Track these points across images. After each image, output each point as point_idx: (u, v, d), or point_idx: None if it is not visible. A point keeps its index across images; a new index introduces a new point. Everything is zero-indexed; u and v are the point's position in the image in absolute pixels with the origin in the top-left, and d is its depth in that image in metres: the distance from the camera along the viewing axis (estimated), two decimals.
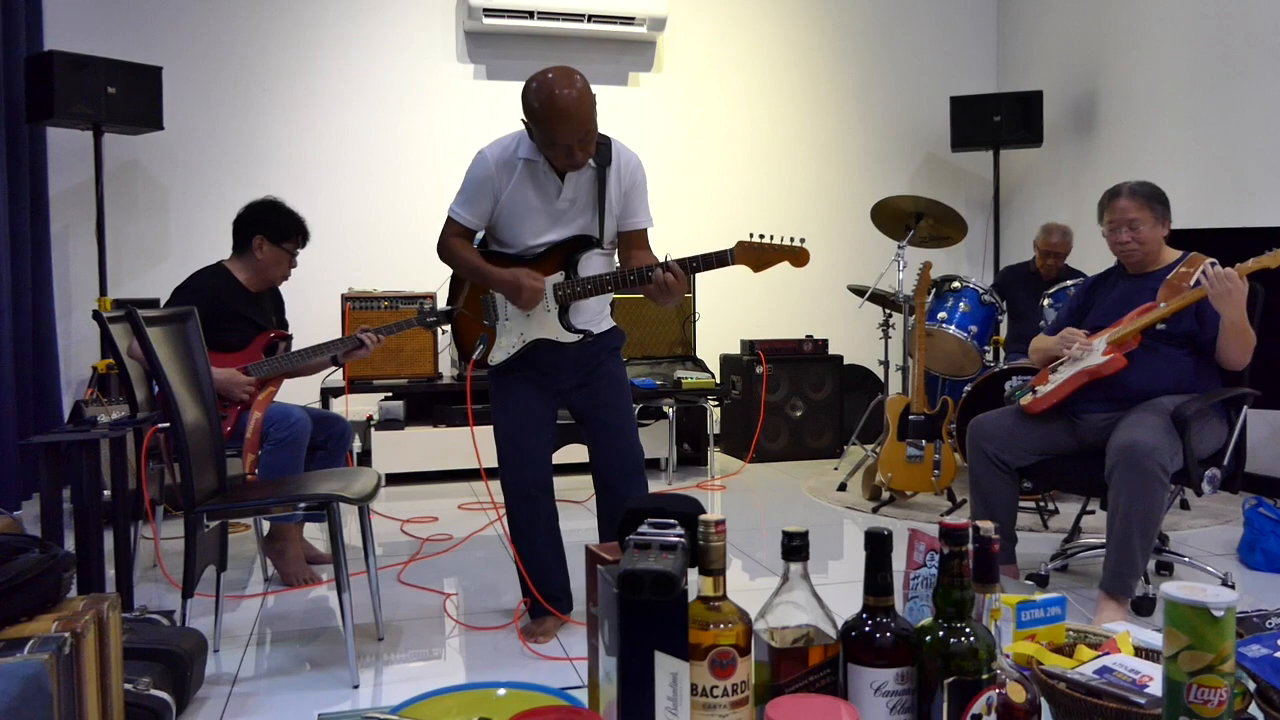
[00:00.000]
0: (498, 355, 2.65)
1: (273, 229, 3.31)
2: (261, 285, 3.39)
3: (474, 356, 2.67)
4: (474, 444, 2.90)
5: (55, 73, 4.28)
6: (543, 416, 2.70)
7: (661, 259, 2.55)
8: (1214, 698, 0.95)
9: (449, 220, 2.64)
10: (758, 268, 2.54)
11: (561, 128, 2.36)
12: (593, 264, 2.63)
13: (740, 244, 2.52)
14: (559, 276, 2.60)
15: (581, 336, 2.63)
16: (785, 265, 2.58)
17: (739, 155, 6.04)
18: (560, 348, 2.64)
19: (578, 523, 3.78)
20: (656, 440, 5.07)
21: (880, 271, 4.93)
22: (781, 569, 1.06)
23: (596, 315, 2.72)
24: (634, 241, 2.66)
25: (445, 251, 2.66)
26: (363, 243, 5.46)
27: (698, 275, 2.64)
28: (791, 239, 2.55)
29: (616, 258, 2.73)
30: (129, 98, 4.57)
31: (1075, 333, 3.00)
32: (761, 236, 2.54)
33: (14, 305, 4.28)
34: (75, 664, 1.64)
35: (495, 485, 2.79)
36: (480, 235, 2.72)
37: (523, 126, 2.52)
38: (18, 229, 4.36)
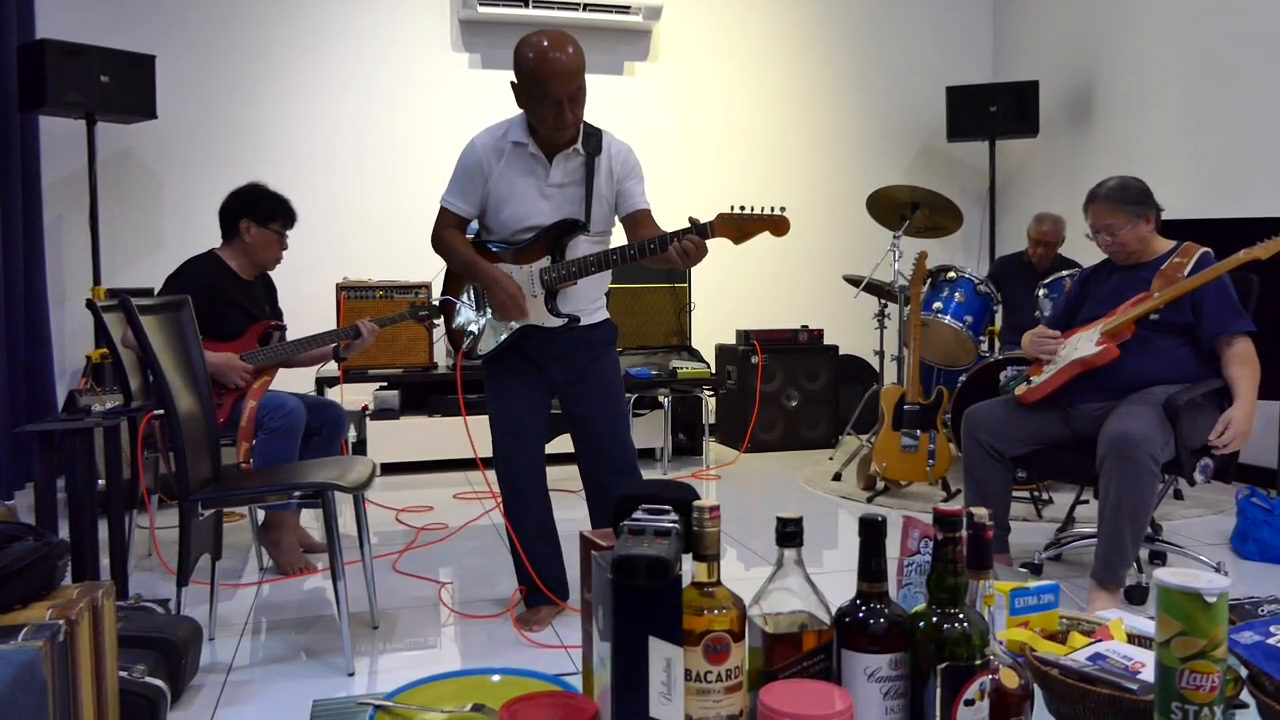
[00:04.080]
0: (487, 345, 2.64)
1: (258, 211, 3.31)
2: (254, 270, 3.39)
3: (463, 347, 2.68)
4: (468, 435, 2.90)
5: (48, 61, 4.26)
6: (534, 406, 2.69)
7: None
8: (1206, 683, 0.95)
9: (441, 210, 2.64)
10: (738, 239, 2.49)
11: (554, 80, 2.38)
12: (580, 249, 2.61)
13: (720, 216, 2.47)
14: (545, 261, 2.58)
15: (567, 321, 2.61)
16: (766, 239, 2.54)
17: (734, 145, 6.03)
18: (549, 336, 2.63)
19: (573, 512, 3.78)
20: (652, 430, 5.08)
21: (876, 261, 4.93)
22: (776, 556, 1.07)
23: (588, 304, 2.69)
24: (641, 221, 2.65)
25: (438, 242, 2.67)
26: (357, 233, 5.44)
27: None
28: (771, 208, 2.51)
29: (610, 244, 2.71)
30: (122, 87, 4.54)
31: (1046, 333, 3.01)
32: (741, 208, 2.51)
33: (7, 295, 4.26)
34: (70, 651, 1.64)
35: (491, 475, 2.78)
36: (474, 227, 2.71)
37: (515, 108, 2.52)
38: (10, 219, 4.34)
